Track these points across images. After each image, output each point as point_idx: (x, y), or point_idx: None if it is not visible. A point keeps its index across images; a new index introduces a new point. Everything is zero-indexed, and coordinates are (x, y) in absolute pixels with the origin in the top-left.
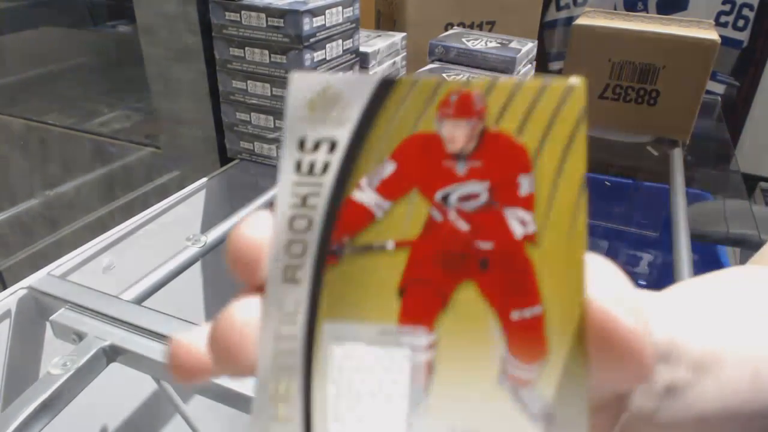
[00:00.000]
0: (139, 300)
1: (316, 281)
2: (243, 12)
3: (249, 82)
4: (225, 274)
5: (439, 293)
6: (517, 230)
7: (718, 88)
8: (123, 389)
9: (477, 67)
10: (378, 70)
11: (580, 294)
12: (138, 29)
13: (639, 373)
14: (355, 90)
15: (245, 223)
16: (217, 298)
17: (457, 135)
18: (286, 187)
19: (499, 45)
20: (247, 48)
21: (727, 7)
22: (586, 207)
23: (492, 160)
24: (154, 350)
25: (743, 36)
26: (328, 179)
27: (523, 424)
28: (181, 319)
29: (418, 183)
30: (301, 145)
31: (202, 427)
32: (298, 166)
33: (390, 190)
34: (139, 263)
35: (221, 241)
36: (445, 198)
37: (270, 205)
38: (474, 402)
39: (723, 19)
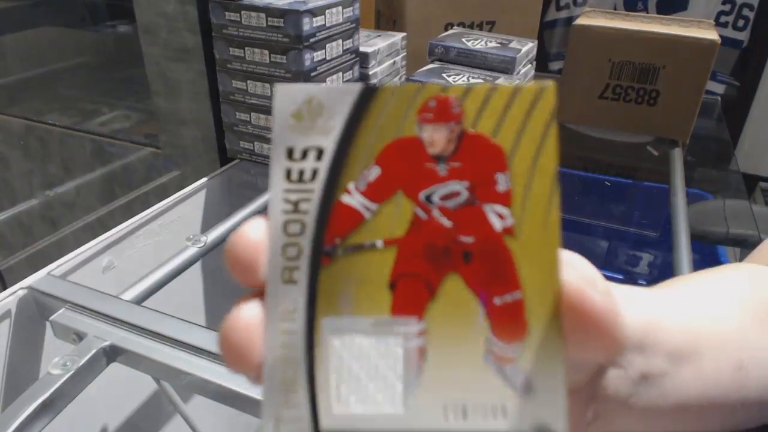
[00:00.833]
0: (139, 300)
1: (312, 280)
2: (243, 12)
3: (249, 82)
4: (225, 274)
5: (427, 285)
6: (497, 224)
7: (718, 88)
8: (123, 389)
9: (477, 67)
10: (378, 70)
11: (556, 278)
12: (138, 29)
13: (608, 347)
14: (338, 99)
15: (242, 229)
16: (217, 298)
17: (437, 138)
18: (277, 194)
19: (499, 45)
20: (247, 48)
21: (727, 7)
22: (558, 199)
23: (471, 161)
24: (154, 350)
25: (743, 36)
26: (318, 185)
27: (507, 395)
28: (181, 319)
29: (402, 185)
30: (290, 154)
31: (202, 427)
32: (288, 174)
33: (376, 192)
34: (139, 263)
35: (221, 241)
36: (428, 197)
37: (264, 211)
38: (463, 380)
39: (723, 19)
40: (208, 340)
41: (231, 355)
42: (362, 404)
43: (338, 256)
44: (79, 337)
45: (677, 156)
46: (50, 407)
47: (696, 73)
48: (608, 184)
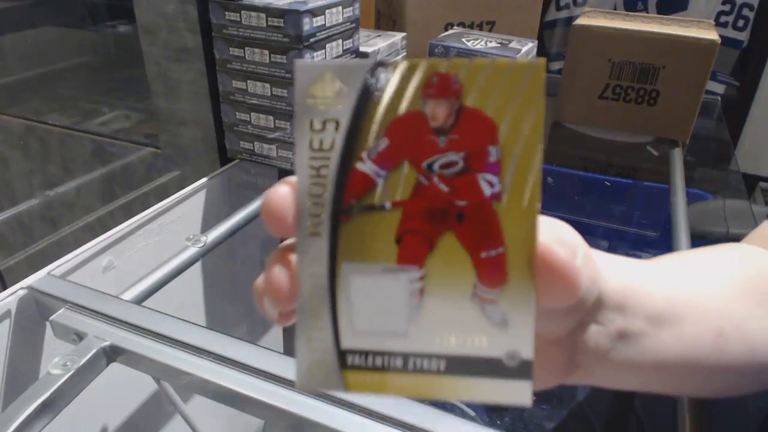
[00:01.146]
0: (139, 300)
1: (333, 234)
2: (243, 12)
3: (249, 82)
4: (225, 274)
5: (427, 240)
6: (486, 190)
7: (718, 88)
8: (123, 389)
9: None
10: None
11: (533, 237)
12: (138, 29)
13: (569, 294)
14: (351, 75)
15: (273, 190)
16: (217, 298)
17: (438, 113)
18: (302, 161)
19: (499, 45)
20: (247, 48)
21: (727, 7)
22: (540, 170)
23: (467, 134)
24: (154, 350)
25: (743, 36)
26: (336, 153)
27: (487, 328)
28: (181, 319)
29: (407, 155)
30: (311, 125)
31: (202, 427)
32: (311, 144)
33: (386, 161)
34: (139, 263)
35: (221, 241)
36: (429, 166)
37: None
38: (453, 315)
39: (723, 19)
40: (208, 340)
41: (274, 292)
42: (372, 332)
43: (354, 215)
44: (79, 337)
45: (677, 156)
46: (50, 407)
47: (696, 73)
48: (608, 184)
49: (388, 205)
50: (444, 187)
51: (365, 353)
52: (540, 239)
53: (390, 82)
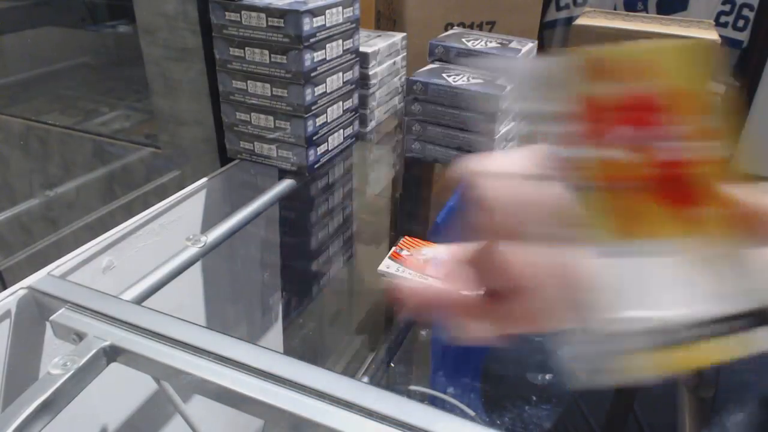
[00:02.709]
0: (139, 300)
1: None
2: (243, 12)
3: (249, 82)
4: (225, 274)
5: (643, 211)
6: (679, 157)
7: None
8: (123, 389)
9: (477, 68)
10: (378, 71)
11: (733, 193)
12: (138, 29)
13: None
14: (560, 79)
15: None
16: (217, 298)
17: (627, 96)
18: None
19: (499, 45)
20: (247, 48)
21: (727, 7)
22: (722, 128)
23: (667, 116)
24: (154, 350)
25: (743, 36)
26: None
27: (732, 283)
28: (181, 319)
29: (606, 136)
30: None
31: (202, 427)
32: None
33: (586, 143)
34: (139, 263)
35: (221, 241)
36: (627, 143)
37: (265, 210)
38: (698, 278)
39: (723, 19)
40: (208, 340)
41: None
42: (630, 310)
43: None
44: (79, 337)
45: None
46: (50, 407)
47: None
48: None
49: (594, 184)
50: (643, 160)
51: (630, 336)
52: (741, 192)
53: (574, 75)
